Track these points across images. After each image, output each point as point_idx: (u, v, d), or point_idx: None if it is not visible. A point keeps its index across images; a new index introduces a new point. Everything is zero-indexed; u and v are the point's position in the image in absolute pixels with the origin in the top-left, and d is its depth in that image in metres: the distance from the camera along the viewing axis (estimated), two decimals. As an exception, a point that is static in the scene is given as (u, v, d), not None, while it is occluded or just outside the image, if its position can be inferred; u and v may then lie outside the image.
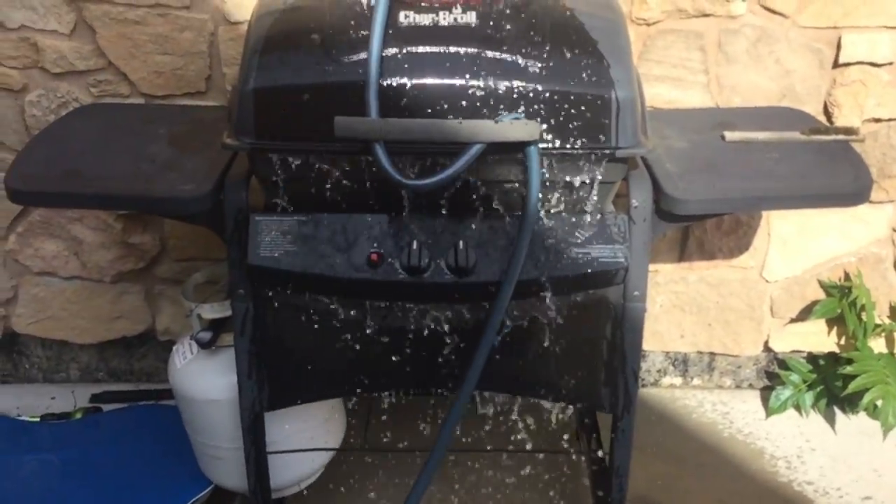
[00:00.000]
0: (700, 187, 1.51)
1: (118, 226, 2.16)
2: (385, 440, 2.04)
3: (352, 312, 1.48)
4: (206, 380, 1.72)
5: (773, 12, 1.94)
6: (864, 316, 2.14)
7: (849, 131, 1.69)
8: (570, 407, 2.09)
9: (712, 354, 2.34)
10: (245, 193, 1.47)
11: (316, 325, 1.50)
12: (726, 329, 2.28)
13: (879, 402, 2.06)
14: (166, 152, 1.62)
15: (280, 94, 1.36)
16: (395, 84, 1.31)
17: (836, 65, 1.99)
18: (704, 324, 2.27)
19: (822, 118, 2.03)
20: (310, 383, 1.59)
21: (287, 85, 1.35)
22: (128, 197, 1.54)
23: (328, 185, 1.41)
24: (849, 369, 2.07)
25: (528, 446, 1.88)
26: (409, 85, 1.31)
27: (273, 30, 1.40)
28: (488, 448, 2.02)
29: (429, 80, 1.32)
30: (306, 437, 1.78)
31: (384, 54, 1.31)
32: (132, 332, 2.33)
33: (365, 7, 1.38)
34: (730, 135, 1.67)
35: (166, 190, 1.49)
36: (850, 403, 2.20)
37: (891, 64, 1.98)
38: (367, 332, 1.49)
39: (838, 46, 1.97)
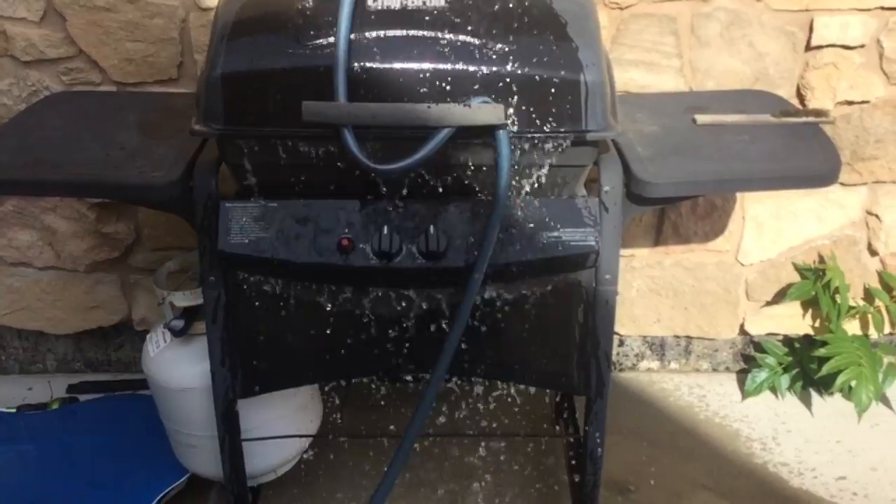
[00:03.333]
0: (670, 170, 1.51)
1: (91, 215, 2.14)
2: (361, 426, 2.04)
3: (323, 298, 1.48)
4: (179, 368, 1.71)
5: (746, -5, 1.95)
6: (838, 298, 2.15)
7: (819, 113, 1.70)
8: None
9: (689, 338, 2.35)
10: (214, 180, 1.46)
11: (288, 312, 1.49)
12: (702, 313, 2.29)
13: (853, 384, 2.08)
14: (136, 139, 1.61)
15: (248, 80, 1.35)
16: (363, 68, 1.31)
17: (808, 48, 1.99)
18: (681, 308, 2.28)
19: (796, 101, 2.03)
20: (284, 370, 1.58)
21: (255, 70, 1.34)
22: (96, 184, 1.52)
23: (298, 171, 1.40)
24: (823, 351, 2.09)
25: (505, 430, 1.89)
26: (377, 69, 1.31)
27: (240, 14, 1.39)
28: (464, 432, 2.03)
29: (397, 64, 1.31)
30: (282, 424, 1.78)
31: (352, 38, 1.31)
32: (108, 322, 2.32)
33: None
34: (701, 118, 1.68)
35: (135, 177, 1.48)
36: (825, 385, 2.22)
37: (863, 47, 1.99)
38: (340, 318, 1.49)
39: (811, 29, 1.97)
